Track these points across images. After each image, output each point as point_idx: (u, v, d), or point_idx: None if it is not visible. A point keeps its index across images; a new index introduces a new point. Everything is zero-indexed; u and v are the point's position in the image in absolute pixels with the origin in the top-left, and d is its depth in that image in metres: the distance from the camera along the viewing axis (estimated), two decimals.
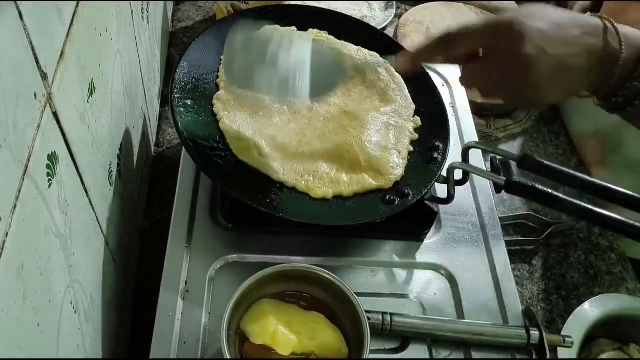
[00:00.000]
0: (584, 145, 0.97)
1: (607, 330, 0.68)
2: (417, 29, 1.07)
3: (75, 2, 0.44)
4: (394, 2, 1.12)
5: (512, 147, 0.95)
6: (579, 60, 0.52)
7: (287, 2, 0.88)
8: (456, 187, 0.63)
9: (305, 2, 1.04)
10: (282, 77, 0.58)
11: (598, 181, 0.57)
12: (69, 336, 0.43)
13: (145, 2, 0.77)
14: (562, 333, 0.61)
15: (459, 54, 0.56)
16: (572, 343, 0.59)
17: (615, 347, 0.68)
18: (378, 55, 0.75)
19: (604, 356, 0.67)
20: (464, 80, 0.57)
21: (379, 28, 1.06)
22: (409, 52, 0.59)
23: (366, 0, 1.12)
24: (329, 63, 0.62)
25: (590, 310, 0.65)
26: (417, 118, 0.71)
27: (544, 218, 0.81)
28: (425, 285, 0.62)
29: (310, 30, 0.76)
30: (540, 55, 0.50)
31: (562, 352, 0.60)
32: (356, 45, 0.76)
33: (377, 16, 1.10)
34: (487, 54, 0.53)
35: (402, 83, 0.74)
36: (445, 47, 0.55)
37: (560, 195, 0.54)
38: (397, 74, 0.75)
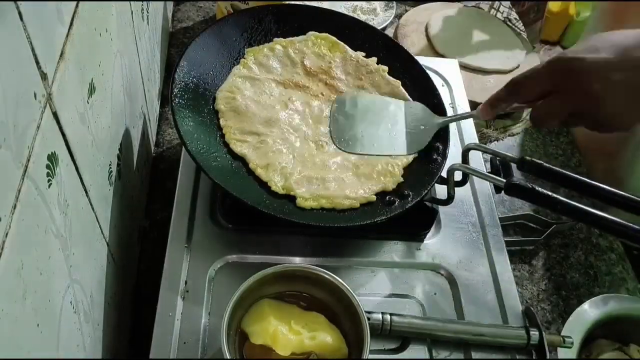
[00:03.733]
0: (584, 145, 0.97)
1: (607, 330, 0.68)
2: (417, 29, 1.07)
3: (75, 3, 0.44)
4: (394, 2, 1.12)
5: (512, 147, 0.95)
6: None
7: (287, 2, 0.88)
8: (456, 188, 0.63)
9: (306, 2, 1.04)
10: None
11: (597, 183, 0.57)
12: (69, 336, 0.43)
13: (145, 2, 0.77)
14: (562, 333, 0.61)
15: (529, 98, 0.58)
16: (572, 343, 0.59)
17: (615, 347, 0.68)
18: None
19: (604, 356, 0.67)
20: (537, 120, 0.57)
21: (379, 28, 1.06)
22: (485, 104, 0.62)
23: (367, 0, 1.12)
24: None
25: (590, 311, 0.65)
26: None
27: (543, 218, 0.81)
28: (425, 285, 0.62)
29: (310, 32, 0.76)
30: (608, 86, 0.50)
31: (562, 352, 0.60)
32: (356, 45, 0.76)
33: (377, 16, 1.10)
34: (555, 93, 0.54)
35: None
36: (514, 94, 0.58)
37: (560, 197, 0.54)
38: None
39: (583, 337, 0.63)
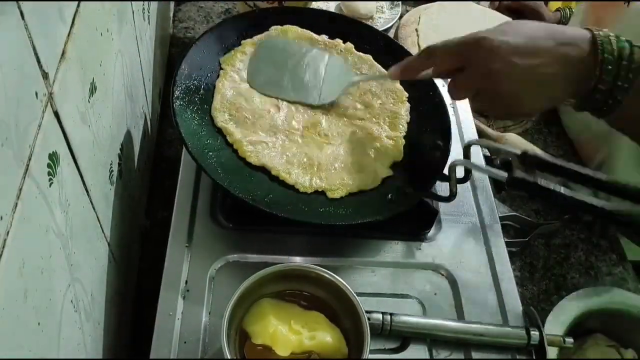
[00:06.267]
0: (583, 146, 0.97)
1: (605, 325, 0.68)
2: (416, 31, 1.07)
3: (76, 2, 0.44)
4: (400, 1, 1.12)
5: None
6: (553, 69, 0.54)
7: (287, 5, 0.88)
8: (457, 186, 0.63)
9: (317, 2, 1.04)
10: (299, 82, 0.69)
11: (599, 175, 0.57)
12: (70, 335, 0.43)
13: (146, 2, 0.77)
14: (546, 324, 0.61)
15: (440, 68, 0.61)
16: (572, 343, 0.59)
17: (611, 344, 0.67)
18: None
19: (590, 350, 0.66)
20: (449, 91, 0.61)
21: (386, 26, 1.07)
22: (397, 66, 0.64)
23: None
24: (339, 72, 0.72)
25: (575, 302, 0.65)
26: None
27: (529, 219, 0.81)
28: (426, 285, 0.62)
29: (272, 27, 0.75)
30: (509, 67, 0.54)
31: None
32: (357, 46, 0.76)
33: (384, 14, 1.11)
34: (466, 68, 0.58)
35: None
36: (426, 60, 0.61)
37: (563, 190, 0.54)
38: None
39: (567, 329, 0.63)
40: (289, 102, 0.68)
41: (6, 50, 0.31)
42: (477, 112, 0.74)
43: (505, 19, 1.11)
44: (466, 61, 0.57)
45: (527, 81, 0.55)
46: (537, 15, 1.07)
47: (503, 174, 0.57)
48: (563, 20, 1.05)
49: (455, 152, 0.70)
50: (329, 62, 0.72)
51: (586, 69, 0.54)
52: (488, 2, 1.17)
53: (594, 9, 0.88)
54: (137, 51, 0.70)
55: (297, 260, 0.61)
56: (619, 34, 0.55)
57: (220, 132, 0.64)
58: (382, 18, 1.10)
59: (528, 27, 0.56)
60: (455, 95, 0.61)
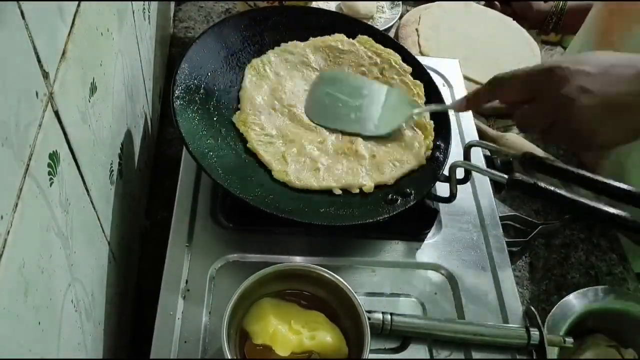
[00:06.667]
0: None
1: (606, 324, 0.67)
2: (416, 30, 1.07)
3: (76, 2, 0.44)
4: (400, 2, 1.12)
5: None
6: (634, 98, 0.50)
7: (287, 4, 0.88)
8: (457, 186, 0.63)
9: (318, 2, 1.04)
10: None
11: (599, 177, 0.57)
12: (70, 335, 0.43)
13: (147, 2, 0.77)
14: (547, 323, 0.61)
15: (509, 99, 0.57)
16: (573, 343, 0.59)
17: (611, 344, 0.67)
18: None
19: (589, 351, 0.66)
20: (520, 124, 0.58)
21: (386, 26, 1.07)
22: (463, 97, 0.62)
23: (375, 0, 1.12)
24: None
25: (575, 302, 0.65)
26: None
27: (529, 219, 0.81)
28: (425, 285, 0.62)
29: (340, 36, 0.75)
30: (584, 96, 0.50)
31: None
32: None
33: (384, 14, 1.11)
34: (536, 98, 0.54)
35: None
36: (495, 93, 0.58)
37: (563, 192, 0.54)
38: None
39: (567, 329, 0.63)
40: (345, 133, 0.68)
41: (6, 50, 0.31)
42: (545, 141, 0.68)
43: (504, 18, 1.11)
44: (537, 91, 0.54)
45: (603, 111, 0.51)
46: (527, 6, 1.06)
47: (503, 176, 0.57)
48: (553, 10, 1.04)
49: (456, 153, 0.70)
50: (387, 93, 0.71)
51: None
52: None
53: (602, 20, 0.87)
54: (137, 51, 0.70)
55: (297, 260, 0.61)
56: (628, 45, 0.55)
57: (220, 132, 0.64)
58: (383, 18, 1.10)
59: (606, 56, 0.53)
60: (526, 127, 0.57)
